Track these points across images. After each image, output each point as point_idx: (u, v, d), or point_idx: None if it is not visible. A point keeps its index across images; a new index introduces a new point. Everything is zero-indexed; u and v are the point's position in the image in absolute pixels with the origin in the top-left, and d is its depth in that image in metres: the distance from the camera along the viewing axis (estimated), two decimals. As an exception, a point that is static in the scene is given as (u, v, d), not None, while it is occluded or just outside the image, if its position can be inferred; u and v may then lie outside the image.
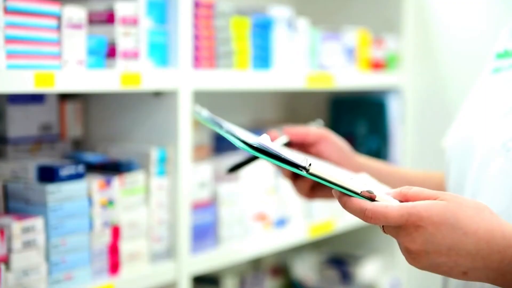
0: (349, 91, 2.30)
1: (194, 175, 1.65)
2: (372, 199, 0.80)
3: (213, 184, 1.73)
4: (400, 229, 0.79)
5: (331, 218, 2.04)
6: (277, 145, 0.85)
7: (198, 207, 1.66)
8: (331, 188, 0.83)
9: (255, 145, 0.82)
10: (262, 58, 1.83)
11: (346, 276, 2.35)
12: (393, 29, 2.38)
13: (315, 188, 1.23)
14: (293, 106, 2.51)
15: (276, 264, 2.34)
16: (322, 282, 2.35)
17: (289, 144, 1.23)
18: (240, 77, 1.74)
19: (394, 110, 2.34)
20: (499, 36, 1.13)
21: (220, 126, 1.03)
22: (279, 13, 1.87)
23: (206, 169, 1.70)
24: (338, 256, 2.39)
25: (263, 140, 0.82)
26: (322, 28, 2.12)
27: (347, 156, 1.25)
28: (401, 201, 0.81)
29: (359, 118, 2.35)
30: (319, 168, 0.81)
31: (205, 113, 1.20)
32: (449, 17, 2.42)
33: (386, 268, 2.37)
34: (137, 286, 1.49)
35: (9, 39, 1.21)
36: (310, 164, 0.80)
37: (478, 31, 2.31)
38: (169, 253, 1.59)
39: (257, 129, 2.14)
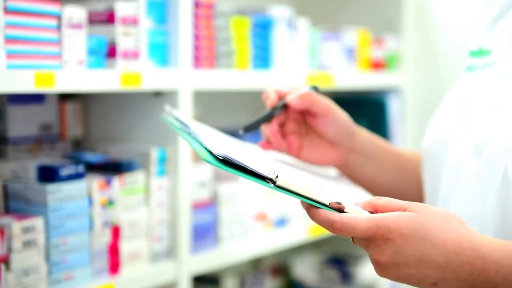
0: (349, 91, 2.29)
1: (194, 175, 1.65)
2: (340, 210, 0.79)
3: (213, 184, 1.73)
4: (369, 241, 0.79)
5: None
6: (242, 156, 0.81)
7: (198, 207, 1.66)
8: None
9: (219, 157, 0.79)
10: (262, 58, 1.83)
11: (346, 276, 2.35)
12: (393, 29, 2.38)
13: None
14: (293, 106, 2.51)
15: (276, 264, 2.34)
16: (322, 282, 2.35)
17: (286, 107, 1.12)
18: (240, 77, 1.74)
19: (394, 110, 2.34)
20: (475, 34, 1.12)
21: (189, 132, 0.97)
22: (279, 13, 1.87)
23: (206, 169, 1.70)
24: (338, 256, 2.39)
25: (227, 151, 0.79)
26: (322, 28, 2.12)
27: (345, 136, 1.16)
28: (370, 212, 0.80)
29: (359, 118, 2.34)
30: (287, 179, 0.79)
31: (176, 114, 1.11)
32: (449, 17, 2.42)
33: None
34: (137, 286, 1.49)
35: (9, 39, 1.21)
36: (277, 176, 0.78)
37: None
38: (169, 253, 1.59)
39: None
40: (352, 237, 0.80)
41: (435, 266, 0.78)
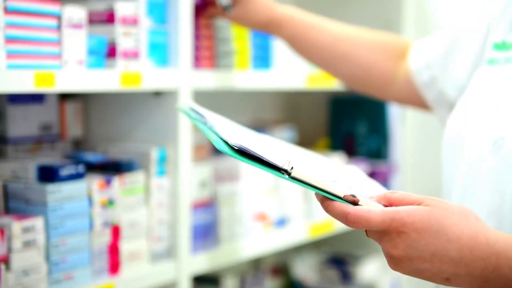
0: (349, 91, 2.29)
1: (194, 175, 1.65)
2: (355, 203, 0.79)
3: (213, 184, 1.73)
4: (383, 234, 0.79)
5: (331, 218, 2.04)
6: (257, 147, 0.82)
7: (198, 207, 1.66)
8: None
9: (235, 147, 0.79)
10: (262, 58, 1.83)
11: (346, 276, 2.35)
12: (393, 29, 2.38)
13: None
14: (293, 106, 2.51)
15: (276, 264, 2.34)
16: (322, 282, 2.35)
17: None
18: (240, 77, 1.74)
19: (394, 110, 2.34)
20: (495, 25, 1.11)
21: (204, 122, 0.97)
22: (279, 13, 1.87)
23: (206, 169, 1.70)
24: (338, 256, 2.39)
25: (244, 142, 0.79)
26: (322, 28, 2.11)
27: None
28: (385, 206, 0.80)
29: (359, 118, 2.35)
30: (302, 171, 0.79)
31: (191, 105, 1.14)
32: (449, 17, 2.41)
33: (386, 268, 2.37)
34: (137, 286, 1.49)
35: (9, 39, 1.21)
36: (292, 168, 0.78)
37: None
38: (169, 253, 1.59)
39: (257, 129, 2.14)
40: (365, 230, 0.80)
41: (449, 260, 0.77)
